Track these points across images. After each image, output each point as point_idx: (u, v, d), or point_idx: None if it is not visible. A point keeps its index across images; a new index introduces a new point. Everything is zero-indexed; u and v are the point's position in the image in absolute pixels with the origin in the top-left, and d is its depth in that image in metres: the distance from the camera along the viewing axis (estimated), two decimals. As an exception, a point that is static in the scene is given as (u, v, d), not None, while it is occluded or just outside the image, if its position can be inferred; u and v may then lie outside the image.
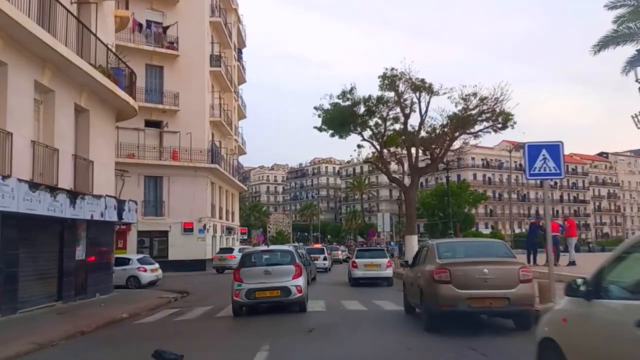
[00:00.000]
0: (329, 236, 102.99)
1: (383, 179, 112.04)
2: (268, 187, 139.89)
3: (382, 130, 32.14)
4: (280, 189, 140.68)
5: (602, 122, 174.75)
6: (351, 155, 33.34)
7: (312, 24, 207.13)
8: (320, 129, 32.66)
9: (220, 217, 41.34)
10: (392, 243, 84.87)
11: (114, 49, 20.21)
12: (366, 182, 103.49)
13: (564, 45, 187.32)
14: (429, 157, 32.55)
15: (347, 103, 30.03)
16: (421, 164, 32.82)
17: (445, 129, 31.85)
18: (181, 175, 35.07)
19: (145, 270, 23.99)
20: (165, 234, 34.70)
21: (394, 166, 35.79)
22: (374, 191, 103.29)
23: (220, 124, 38.95)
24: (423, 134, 32.07)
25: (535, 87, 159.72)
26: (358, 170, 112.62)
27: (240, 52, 48.49)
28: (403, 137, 31.92)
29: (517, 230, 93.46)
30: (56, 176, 15.30)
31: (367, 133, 32.86)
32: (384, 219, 45.13)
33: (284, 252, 14.04)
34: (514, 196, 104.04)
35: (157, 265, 25.24)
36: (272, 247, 17.08)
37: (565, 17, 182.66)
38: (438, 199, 57.43)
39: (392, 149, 32.08)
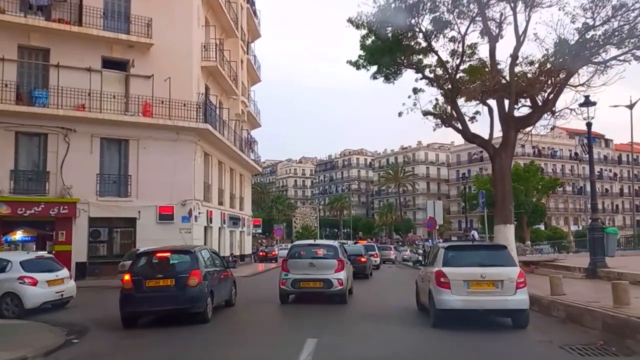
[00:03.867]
0: (360, 233, 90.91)
1: (421, 169, 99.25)
2: (296, 181, 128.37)
3: (456, 64, 20.00)
4: (308, 182, 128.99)
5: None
6: (404, 104, 20.56)
7: (336, 20, 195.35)
8: (357, 65, 20.74)
9: (221, 203, 29.77)
10: (430, 241, 72.37)
11: None
12: (401, 174, 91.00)
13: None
14: (528, 103, 20.23)
15: (403, 5, 17.90)
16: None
17: (548, 65, 19.58)
18: (157, 139, 23.63)
19: (34, 283, 12.49)
20: (132, 222, 23.26)
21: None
22: (410, 182, 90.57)
23: (217, 72, 27.32)
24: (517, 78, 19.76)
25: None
26: (392, 160, 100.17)
27: (251, -7, 36.84)
28: (488, 76, 19.73)
29: (573, 227, 79.51)
30: None
31: (429, 74, 20.89)
32: (435, 207, 33.37)
33: (328, 246, 14.09)
34: (569, 189, 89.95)
35: (63, 273, 13.73)
36: (318, 241, 17.02)
37: None
38: (500, 185, 44.61)
39: (473, 84, 19.72)
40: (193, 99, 24.31)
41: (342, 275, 12.83)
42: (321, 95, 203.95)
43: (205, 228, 26.80)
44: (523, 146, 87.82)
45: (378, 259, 30.78)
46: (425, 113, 21.30)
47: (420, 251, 49.24)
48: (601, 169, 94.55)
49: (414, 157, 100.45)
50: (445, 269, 9.33)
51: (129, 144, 23.44)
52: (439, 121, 21.87)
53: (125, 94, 23.53)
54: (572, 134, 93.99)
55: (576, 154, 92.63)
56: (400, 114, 21.33)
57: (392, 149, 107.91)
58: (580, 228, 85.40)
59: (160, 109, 23.44)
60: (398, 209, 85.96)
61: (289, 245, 19.36)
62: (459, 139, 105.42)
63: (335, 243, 15.01)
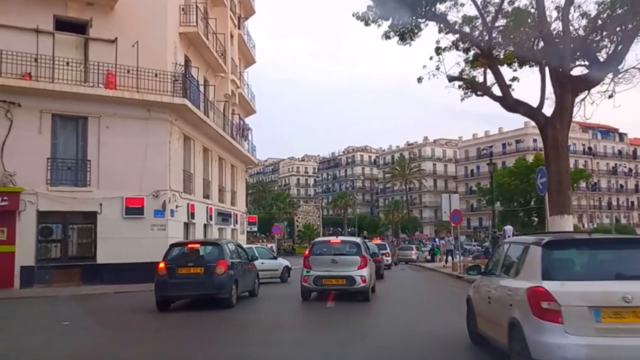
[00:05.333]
0: (365, 232, 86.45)
1: (427, 166, 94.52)
2: (298, 180, 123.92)
3: (494, 10, 15.55)
4: (311, 181, 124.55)
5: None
6: (425, 66, 16.00)
7: (339, 18, 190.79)
8: (365, 19, 16.36)
9: (207, 196, 25.36)
10: (435, 240, 67.40)
11: None
12: (407, 170, 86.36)
13: None
14: (584, 62, 15.72)
15: None
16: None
17: (600, 21, 15.16)
18: (123, 117, 19.26)
19: None
20: (91, 217, 18.88)
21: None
22: (417, 179, 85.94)
23: (199, 41, 22.93)
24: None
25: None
26: (397, 157, 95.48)
27: (243, -39, 32.38)
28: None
29: (587, 225, 74.73)
30: None
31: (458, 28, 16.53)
32: (451, 201, 28.95)
33: (351, 243, 13.65)
34: (582, 185, 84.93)
35: None
36: (340, 237, 16.68)
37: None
38: (520, 178, 40.10)
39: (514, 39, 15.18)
40: (167, 68, 19.93)
41: (365, 272, 12.41)
42: (324, 93, 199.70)
43: (187, 225, 22.44)
44: (535, 140, 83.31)
45: (390, 259, 29.71)
46: (452, 78, 16.94)
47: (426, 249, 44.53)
48: (616, 164, 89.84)
49: (420, 153, 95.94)
50: (550, 285, 4.88)
51: (87, 122, 19.04)
52: (468, 90, 17.47)
53: (85, 63, 19.16)
54: (585, 127, 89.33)
55: (590, 148, 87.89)
56: (420, 80, 16.97)
57: (397, 145, 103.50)
58: (596, 226, 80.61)
59: (126, 80, 19.08)
60: (405, 207, 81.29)
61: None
62: (467, 134, 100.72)
63: (358, 239, 14.43)
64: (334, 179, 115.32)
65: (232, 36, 29.07)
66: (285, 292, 16.18)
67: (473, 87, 16.88)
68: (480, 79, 17.42)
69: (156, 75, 19.41)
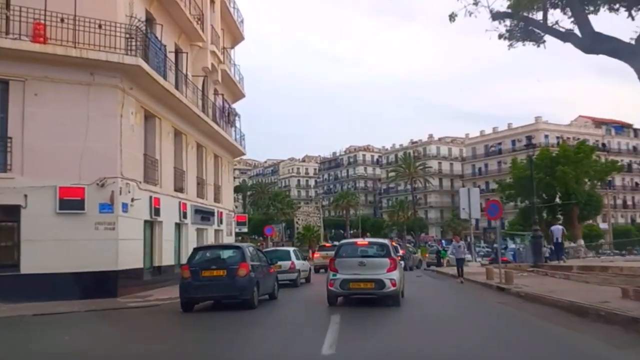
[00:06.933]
0: (368, 234, 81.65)
1: (433, 164, 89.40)
2: (299, 181, 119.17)
3: None
4: (312, 182, 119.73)
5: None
6: (460, 0, 10.89)
7: (343, 20, 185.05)
8: None
9: (180, 190, 20.57)
10: (446, 243, 62.73)
11: None
12: (412, 168, 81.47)
13: None
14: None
15: None
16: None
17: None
18: (56, 81, 14.56)
19: None
20: (13, 212, 14.09)
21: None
22: (423, 178, 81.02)
23: (166, -6, 18.23)
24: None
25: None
26: (401, 155, 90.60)
27: None
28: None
29: (602, 226, 69.52)
30: None
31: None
32: (471, 196, 24.01)
33: (379, 244, 13.14)
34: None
35: None
36: (367, 239, 16.58)
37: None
38: (544, 170, 35.15)
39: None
40: (116, 19, 15.18)
41: (395, 275, 11.58)
42: (324, 93, 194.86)
43: (150, 223, 17.70)
44: (546, 136, 78.51)
45: (402, 262, 25.85)
46: (497, 15, 12.17)
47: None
48: (630, 161, 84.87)
49: (425, 151, 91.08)
50: None
51: (8, 87, 14.27)
52: (517, 35, 12.68)
53: (5, 7, 14.42)
54: (598, 123, 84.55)
55: (603, 144, 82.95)
56: (453, 17, 12.20)
57: (400, 144, 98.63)
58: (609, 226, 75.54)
59: (60, 32, 14.32)
60: (411, 207, 76.39)
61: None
62: (474, 131, 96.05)
63: (386, 241, 14.23)
64: (335, 179, 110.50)
65: (212, 1, 24.36)
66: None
67: (526, 28, 12.10)
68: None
69: (100, 26, 14.66)
